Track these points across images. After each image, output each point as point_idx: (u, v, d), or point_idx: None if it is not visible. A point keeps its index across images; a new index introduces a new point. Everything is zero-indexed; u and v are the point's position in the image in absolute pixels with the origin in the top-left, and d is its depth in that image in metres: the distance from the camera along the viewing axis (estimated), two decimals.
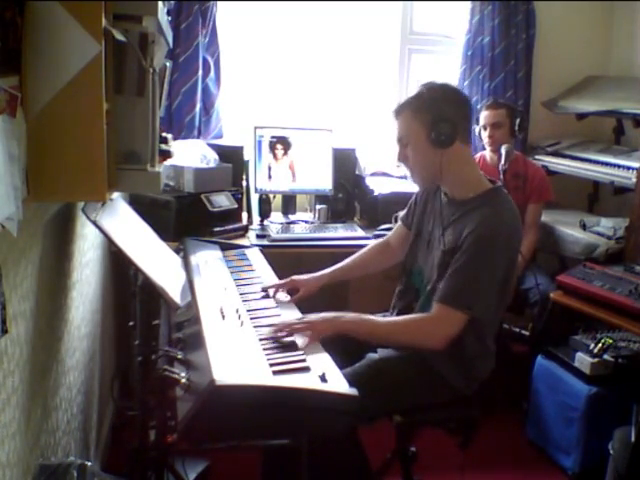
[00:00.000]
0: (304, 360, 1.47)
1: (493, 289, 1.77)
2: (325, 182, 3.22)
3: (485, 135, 3.12)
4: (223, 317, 1.65)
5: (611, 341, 2.52)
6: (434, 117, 1.78)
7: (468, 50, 3.53)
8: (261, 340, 1.56)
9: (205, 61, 3.21)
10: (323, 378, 1.38)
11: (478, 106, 3.54)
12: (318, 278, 2.11)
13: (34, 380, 1.43)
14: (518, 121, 3.06)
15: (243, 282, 2.02)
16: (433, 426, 1.96)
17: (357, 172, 3.35)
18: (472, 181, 1.87)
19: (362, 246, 2.89)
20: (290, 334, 1.64)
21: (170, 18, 2.67)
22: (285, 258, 2.78)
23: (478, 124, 3.17)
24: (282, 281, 2.04)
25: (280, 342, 1.58)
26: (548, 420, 2.71)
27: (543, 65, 3.68)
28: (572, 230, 3.12)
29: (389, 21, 3.62)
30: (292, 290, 2.04)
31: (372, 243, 2.27)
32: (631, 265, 2.68)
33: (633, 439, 1.97)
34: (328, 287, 2.14)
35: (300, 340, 1.62)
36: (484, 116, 3.12)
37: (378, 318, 1.88)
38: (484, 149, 3.33)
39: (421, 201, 2.08)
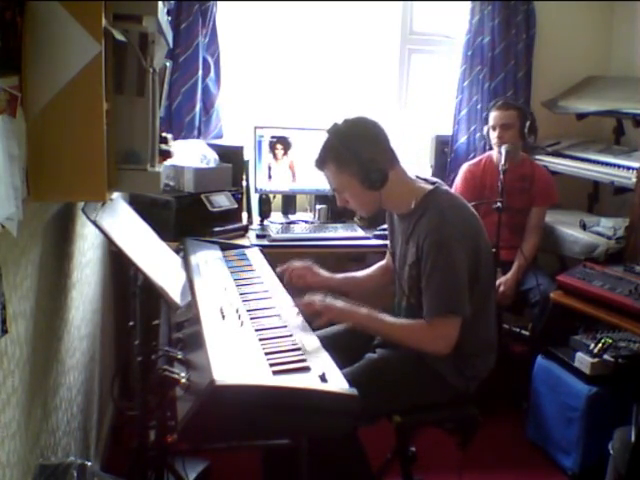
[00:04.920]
0: (304, 360, 1.47)
1: (463, 284, 1.79)
2: (325, 182, 3.20)
3: (494, 135, 3.07)
4: (223, 317, 1.65)
5: (611, 341, 2.52)
6: (358, 167, 1.79)
7: (468, 50, 3.53)
8: (261, 340, 1.56)
9: (205, 61, 3.21)
10: (323, 378, 1.38)
11: (478, 106, 3.55)
12: (329, 277, 2.15)
13: (34, 380, 1.43)
14: (528, 123, 3.05)
15: (243, 282, 2.02)
16: (433, 426, 1.96)
17: None
18: (410, 193, 1.89)
19: (362, 246, 2.94)
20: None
21: (170, 18, 2.67)
22: (285, 258, 2.76)
23: (487, 124, 3.15)
24: (299, 264, 2.08)
25: (282, 345, 1.58)
26: (548, 420, 2.71)
27: (543, 65, 3.67)
28: (572, 230, 3.12)
29: (389, 21, 3.62)
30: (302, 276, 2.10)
31: (377, 264, 2.28)
32: (631, 265, 2.68)
33: (633, 439, 1.97)
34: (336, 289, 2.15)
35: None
36: (494, 116, 3.08)
37: (388, 319, 1.89)
38: (485, 150, 3.33)
39: (388, 227, 2.12)
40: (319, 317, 1.79)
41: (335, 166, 1.85)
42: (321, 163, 1.89)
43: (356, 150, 1.80)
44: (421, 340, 1.81)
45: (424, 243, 1.79)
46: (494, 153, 3.17)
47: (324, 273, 2.14)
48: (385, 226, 2.98)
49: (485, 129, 3.17)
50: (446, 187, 1.95)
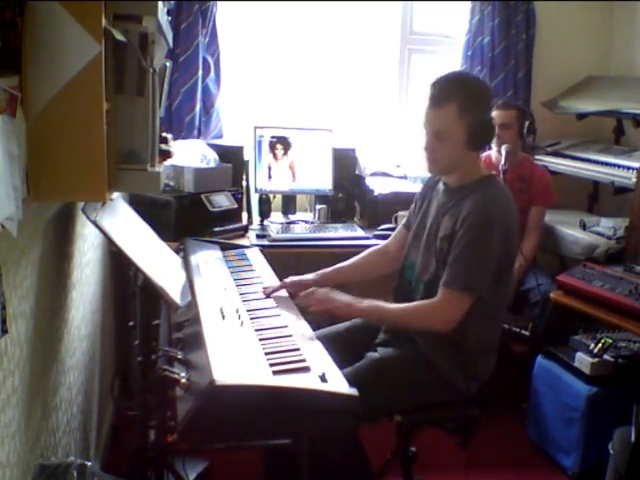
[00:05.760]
0: (304, 360, 1.47)
1: (491, 268, 1.80)
2: (325, 182, 3.22)
3: None
4: (223, 317, 1.65)
5: (611, 341, 2.52)
6: (478, 121, 1.80)
7: (468, 50, 3.53)
8: (261, 340, 1.56)
9: (205, 61, 3.21)
10: (323, 378, 1.38)
11: None
12: (315, 278, 2.10)
13: (34, 380, 1.42)
14: (527, 124, 3.05)
15: (243, 282, 2.02)
16: (433, 426, 1.96)
17: (357, 172, 3.35)
18: (471, 170, 1.90)
19: (362, 246, 2.89)
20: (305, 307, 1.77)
21: (170, 18, 2.67)
22: (285, 258, 2.78)
23: None
24: (283, 283, 2.02)
25: (282, 345, 1.58)
26: (548, 420, 2.71)
27: (543, 65, 3.67)
28: (572, 230, 3.12)
29: (389, 21, 3.62)
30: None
31: (371, 248, 2.24)
32: (631, 265, 2.68)
33: (633, 439, 1.97)
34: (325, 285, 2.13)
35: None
36: (493, 115, 3.09)
37: (389, 305, 1.89)
38: (485, 150, 3.32)
39: (419, 200, 2.10)
40: (317, 305, 1.80)
41: (458, 109, 1.79)
42: (446, 98, 1.79)
43: (483, 106, 1.82)
44: (426, 314, 1.81)
45: (467, 217, 1.78)
46: (493, 153, 3.17)
47: (307, 276, 2.09)
48: (386, 226, 3.01)
49: None
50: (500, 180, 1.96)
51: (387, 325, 1.96)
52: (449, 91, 1.80)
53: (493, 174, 1.93)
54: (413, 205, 2.15)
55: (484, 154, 3.27)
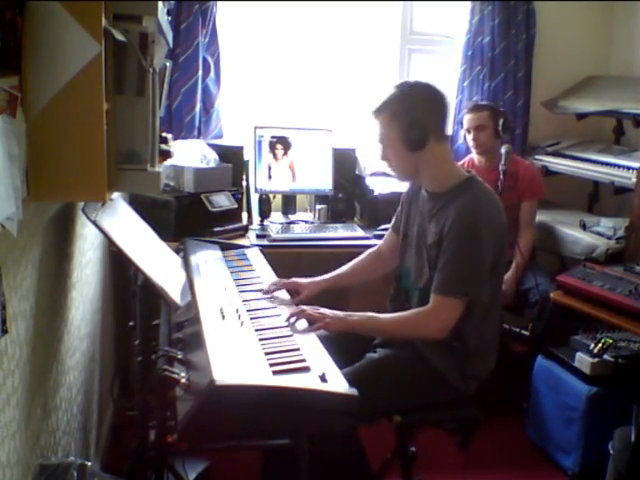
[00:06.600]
0: (304, 360, 1.47)
1: (485, 272, 1.80)
2: (325, 182, 3.22)
3: (470, 138, 3.10)
4: (223, 317, 1.65)
5: (611, 341, 2.52)
6: (407, 122, 1.81)
7: (468, 50, 3.53)
8: (261, 340, 1.56)
9: (205, 61, 3.21)
10: (323, 378, 1.38)
11: None
12: (318, 283, 2.12)
13: (34, 380, 1.43)
14: (502, 122, 3.05)
15: (243, 282, 2.02)
16: (433, 426, 1.96)
17: (357, 172, 3.35)
18: (448, 174, 1.90)
19: (362, 246, 2.91)
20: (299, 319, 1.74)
21: (170, 18, 2.67)
22: (285, 258, 2.78)
23: (463, 127, 3.16)
24: (285, 280, 2.04)
25: (282, 345, 1.58)
26: (548, 420, 2.71)
27: (543, 65, 3.67)
28: (572, 230, 3.12)
29: (389, 21, 3.62)
30: (293, 291, 2.05)
31: (366, 252, 2.26)
32: (631, 265, 2.68)
33: (633, 439, 1.97)
34: (328, 290, 2.14)
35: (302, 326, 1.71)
36: (466, 120, 3.10)
37: (382, 315, 1.89)
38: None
39: (405, 204, 2.11)
40: (313, 324, 1.76)
41: (388, 117, 1.85)
42: (378, 110, 1.88)
43: (411, 108, 1.82)
44: (419, 322, 1.81)
45: (453, 224, 1.78)
46: (474, 156, 3.18)
47: (311, 280, 2.10)
48: (385, 226, 3.00)
49: (461, 133, 3.18)
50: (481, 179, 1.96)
51: (381, 338, 1.96)
52: (381, 104, 1.87)
53: (473, 175, 1.91)
54: (399, 208, 2.15)
55: (466, 158, 3.27)
